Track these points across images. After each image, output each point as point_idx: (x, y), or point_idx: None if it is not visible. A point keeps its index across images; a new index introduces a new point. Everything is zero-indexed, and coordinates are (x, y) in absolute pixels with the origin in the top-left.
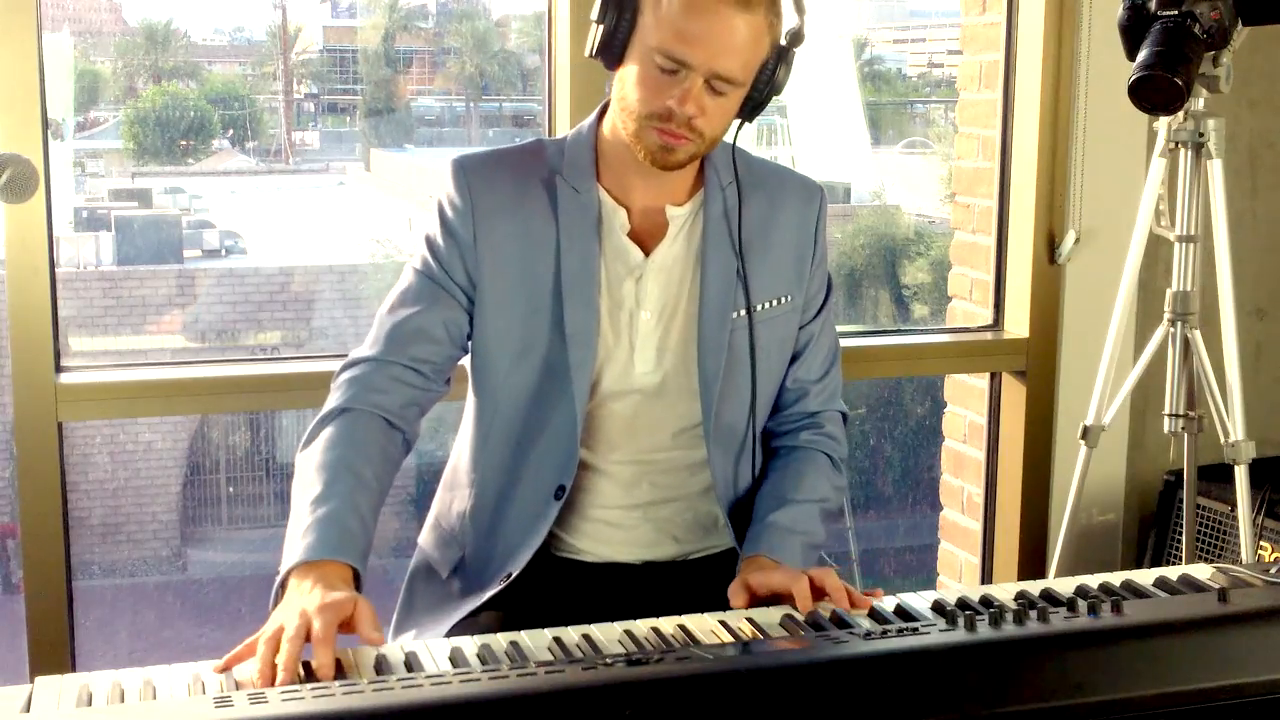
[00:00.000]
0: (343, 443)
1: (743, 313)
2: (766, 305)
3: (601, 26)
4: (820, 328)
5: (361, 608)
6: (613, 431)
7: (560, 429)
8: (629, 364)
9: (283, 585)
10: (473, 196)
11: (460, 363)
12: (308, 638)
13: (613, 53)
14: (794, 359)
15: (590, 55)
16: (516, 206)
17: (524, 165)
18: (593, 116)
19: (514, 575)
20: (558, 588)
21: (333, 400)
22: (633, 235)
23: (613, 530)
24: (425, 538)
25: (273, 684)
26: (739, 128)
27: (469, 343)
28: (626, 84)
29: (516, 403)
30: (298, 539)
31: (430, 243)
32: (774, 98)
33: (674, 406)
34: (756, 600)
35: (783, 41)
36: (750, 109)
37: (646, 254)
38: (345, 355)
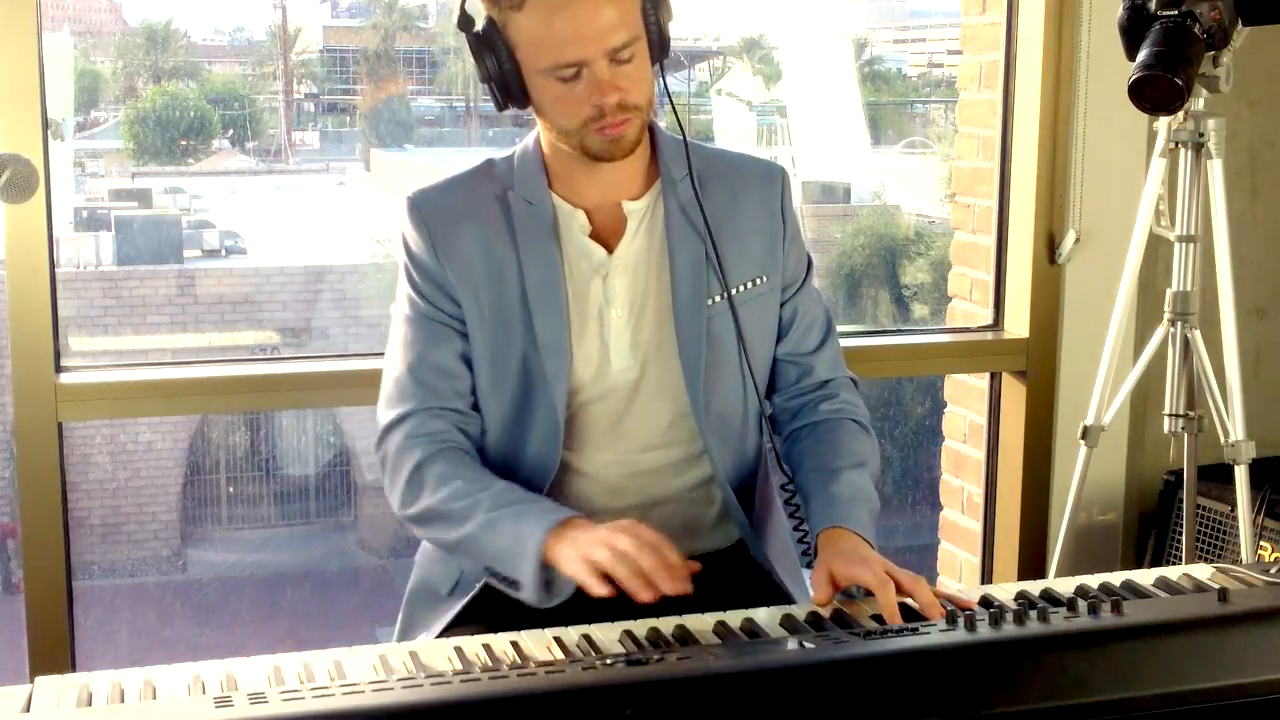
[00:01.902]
0: (455, 476)
1: (719, 298)
2: (743, 288)
3: (491, 83)
4: (804, 301)
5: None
6: (597, 434)
7: (544, 436)
8: (604, 363)
9: (543, 559)
10: (430, 229)
11: None
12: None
13: (515, 96)
14: (785, 334)
15: (500, 109)
16: (474, 229)
17: (476, 187)
18: (533, 134)
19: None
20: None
21: (407, 460)
22: (594, 235)
23: None
24: (423, 556)
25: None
26: (662, 75)
27: None
28: (546, 112)
29: (500, 418)
30: (515, 532)
31: (411, 285)
32: (670, 21)
33: (655, 402)
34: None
35: None
36: (659, 50)
37: (609, 251)
38: (345, 354)
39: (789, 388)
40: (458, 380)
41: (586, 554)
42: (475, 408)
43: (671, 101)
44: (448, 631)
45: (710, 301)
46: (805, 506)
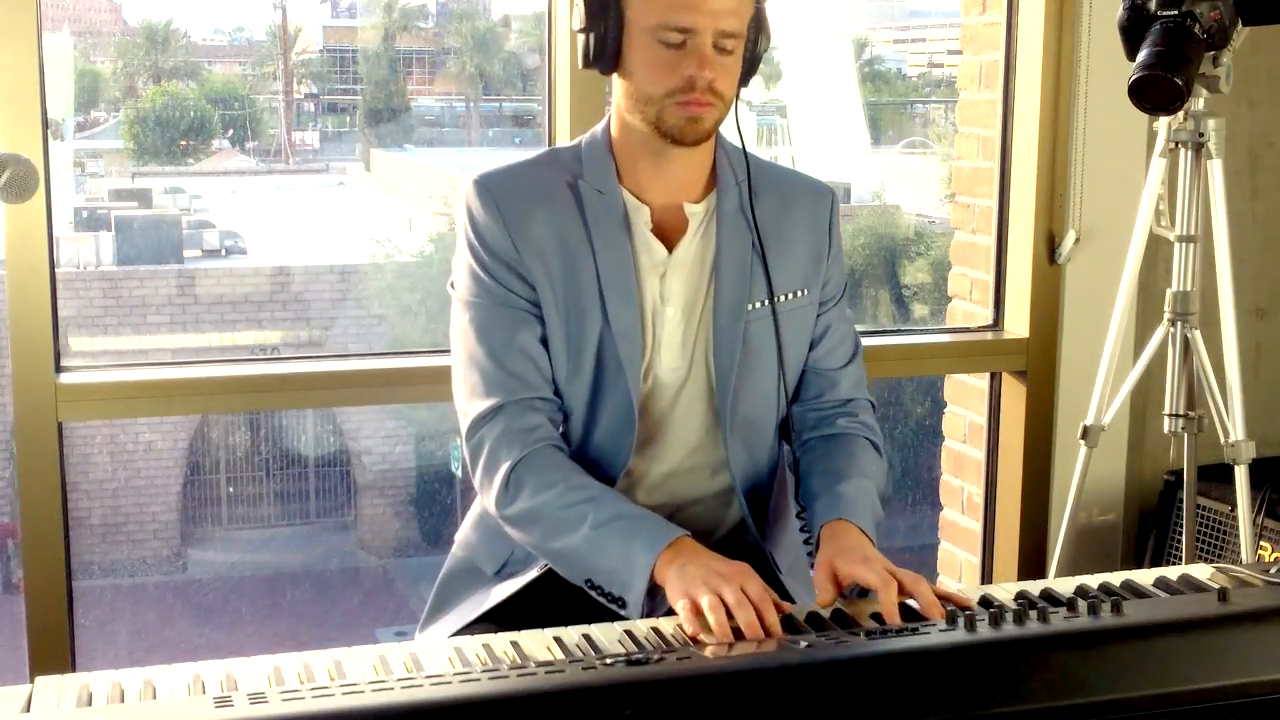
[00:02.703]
0: (558, 475)
1: (761, 304)
2: (786, 297)
3: (591, 34)
4: (837, 318)
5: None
6: (643, 432)
7: (618, 424)
8: (655, 361)
9: (652, 578)
10: (502, 211)
11: None
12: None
13: (607, 56)
14: (814, 346)
15: (586, 65)
16: (546, 213)
17: (544, 173)
18: (602, 124)
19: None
20: (568, 594)
21: (503, 458)
22: (655, 233)
23: None
24: (466, 536)
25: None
26: (736, 97)
27: None
28: (635, 76)
29: (577, 404)
30: (621, 554)
31: (476, 275)
32: (767, 50)
33: (697, 403)
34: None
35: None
36: (747, 68)
37: (669, 251)
38: (345, 354)
39: (811, 400)
40: (543, 366)
41: (691, 592)
42: (558, 393)
43: (738, 123)
44: (491, 615)
45: (751, 307)
46: (810, 507)
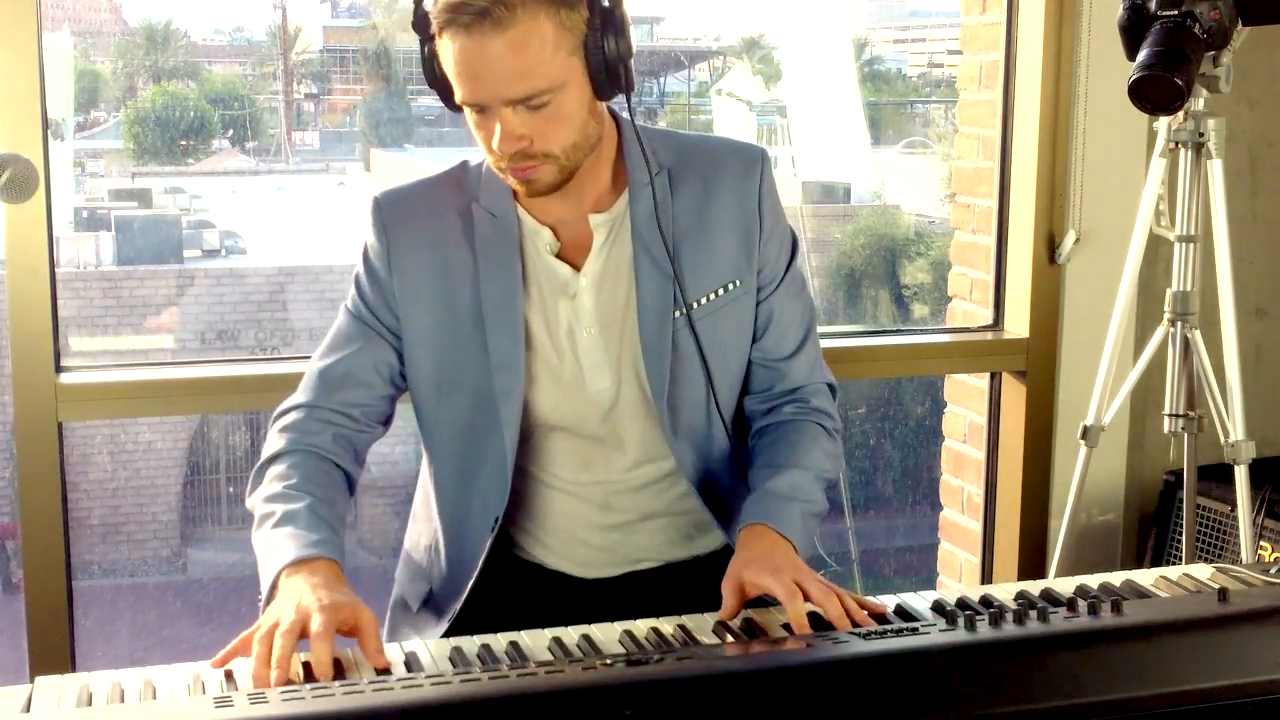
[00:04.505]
0: (289, 476)
1: (693, 305)
2: (710, 298)
3: (435, 88)
4: (783, 300)
5: (365, 620)
6: (581, 455)
7: (497, 459)
8: (580, 383)
9: (272, 591)
10: (388, 234)
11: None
12: (303, 634)
13: (457, 107)
14: (760, 336)
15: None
16: (433, 239)
17: (442, 195)
18: None
19: (458, 610)
20: (545, 601)
21: (269, 448)
22: (563, 253)
23: (592, 551)
24: (399, 572)
25: (268, 683)
26: (630, 104)
27: (404, 380)
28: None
29: (453, 435)
30: (275, 550)
31: (357, 284)
32: (630, 58)
33: (635, 419)
34: (748, 600)
35: (605, 2)
36: (608, 85)
37: (578, 269)
38: None
39: (760, 392)
40: (366, 389)
41: (265, 619)
42: (386, 421)
43: (637, 132)
44: None
45: (679, 312)
46: (745, 501)
